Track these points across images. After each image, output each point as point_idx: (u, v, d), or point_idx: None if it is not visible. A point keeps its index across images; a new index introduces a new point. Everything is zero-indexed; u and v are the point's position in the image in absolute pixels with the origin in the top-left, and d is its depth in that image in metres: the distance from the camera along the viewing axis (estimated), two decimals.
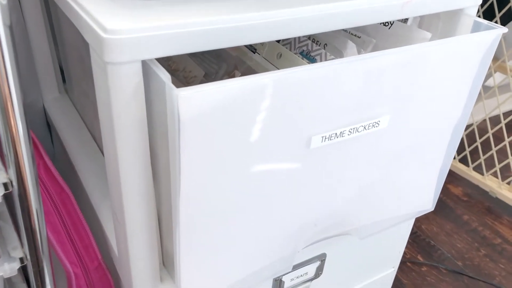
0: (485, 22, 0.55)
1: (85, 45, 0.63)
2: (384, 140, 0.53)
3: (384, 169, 0.56)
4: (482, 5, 1.29)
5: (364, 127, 0.50)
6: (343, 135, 0.48)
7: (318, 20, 0.46)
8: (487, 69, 0.56)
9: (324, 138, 0.47)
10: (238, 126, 0.42)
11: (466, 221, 1.33)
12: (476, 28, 0.56)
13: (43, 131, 0.89)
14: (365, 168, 0.54)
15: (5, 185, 0.46)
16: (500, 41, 1.25)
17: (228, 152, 0.43)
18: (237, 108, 0.40)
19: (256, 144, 0.44)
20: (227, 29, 0.41)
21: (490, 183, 1.41)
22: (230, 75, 0.59)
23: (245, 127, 0.42)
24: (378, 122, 0.50)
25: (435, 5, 0.53)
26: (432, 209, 0.68)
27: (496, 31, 0.52)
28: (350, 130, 0.49)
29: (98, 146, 0.74)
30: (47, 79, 0.85)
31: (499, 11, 1.26)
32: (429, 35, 0.55)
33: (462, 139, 1.48)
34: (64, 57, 0.83)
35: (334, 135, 0.48)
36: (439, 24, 0.58)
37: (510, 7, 1.21)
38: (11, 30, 0.40)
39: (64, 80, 0.87)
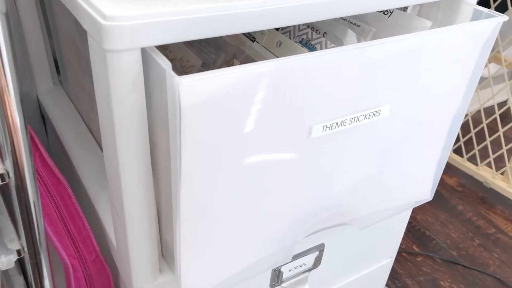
0: (486, 10, 0.54)
1: (81, 34, 0.62)
2: (385, 129, 0.53)
3: (384, 159, 0.56)
4: None
5: (365, 116, 0.49)
6: (344, 124, 0.48)
7: (318, 8, 0.45)
8: (486, 59, 0.55)
9: (325, 127, 0.47)
10: (239, 115, 0.41)
11: (460, 211, 1.34)
12: (476, 16, 0.56)
13: (37, 122, 0.87)
14: (365, 157, 0.54)
15: (1, 176, 0.46)
16: None
17: (228, 141, 0.42)
18: (238, 96, 0.40)
19: (257, 133, 0.43)
20: (229, 16, 0.40)
21: (484, 173, 1.42)
22: (229, 64, 0.58)
23: (246, 116, 0.42)
24: (379, 111, 0.50)
25: None
26: (431, 199, 0.68)
27: (496, 19, 0.52)
28: (351, 119, 0.48)
29: (94, 137, 0.73)
30: (41, 70, 0.83)
31: (494, 1, 1.26)
32: (429, 23, 0.54)
33: None
34: (58, 48, 0.81)
35: (335, 124, 0.47)
36: (439, 13, 0.57)
37: None
38: (7, 17, 0.39)
39: (58, 71, 0.86)
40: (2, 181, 0.45)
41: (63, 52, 0.79)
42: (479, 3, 1.26)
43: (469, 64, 0.55)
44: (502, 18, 0.52)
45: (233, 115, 0.41)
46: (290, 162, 0.48)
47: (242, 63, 0.57)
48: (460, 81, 0.56)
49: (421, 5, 0.61)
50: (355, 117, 0.48)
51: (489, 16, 0.54)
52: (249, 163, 0.45)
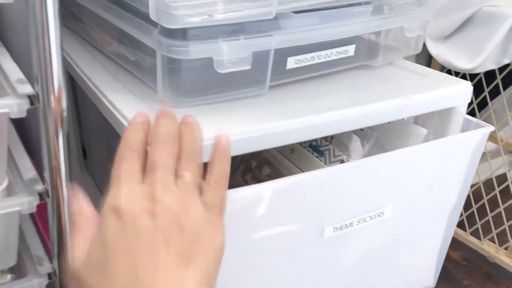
0: (474, 120, 0.62)
1: (114, 135, 0.70)
2: (388, 227, 0.58)
3: (388, 252, 0.61)
4: (471, 80, 1.38)
5: (371, 217, 0.55)
6: (352, 225, 0.54)
7: (329, 125, 0.52)
8: (478, 160, 0.62)
9: (335, 228, 0.53)
10: (261, 223, 0.47)
11: (466, 286, 1.35)
12: (466, 123, 0.63)
13: None
14: (371, 252, 0.59)
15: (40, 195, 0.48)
16: (490, 114, 1.33)
17: (251, 243, 0.48)
18: (258, 208, 0.46)
19: (276, 236, 0.49)
20: (252, 138, 0.47)
21: (488, 248, 1.44)
22: (246, 164, 0.65)
23: (267, 223, 0.48)
24: (383, 212, 0.56)
25: (429, 106, 0.60)
26: (434, 286, 0.72)
27: (484, 130, 0.59)
28: (358, 221, 0.54)
29: None
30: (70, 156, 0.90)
31: (488, 86, 1.35)
32: (424, 131, 0.61)
33: None
34: (86, 136, 0.89)
35: (344, 225, 0.53)
36: (434, 120, 0.64)
37: (497, 83, 1.30)
38: (68, 138, 0.46)
39: (85, 156, 0.93)
40: (41, 200, 0.47)
41: (91, 142, 0.86)
42: (485, 74, 1.31)
43: (462, 167, 0.61)
44: (488, 129, 0.59)
45: (256, 223, 0.47)
46: (305, 258, 0.54)
47: (258, 164, 0.64)
48: (455, 182, 0.62)
49: None
50: (362, 219, 0.54)
51: (477, 126, 0.61)
52: (267, 260, 0.51)
